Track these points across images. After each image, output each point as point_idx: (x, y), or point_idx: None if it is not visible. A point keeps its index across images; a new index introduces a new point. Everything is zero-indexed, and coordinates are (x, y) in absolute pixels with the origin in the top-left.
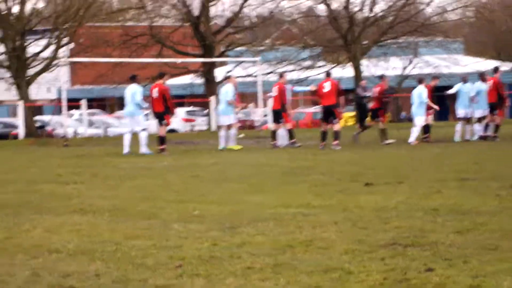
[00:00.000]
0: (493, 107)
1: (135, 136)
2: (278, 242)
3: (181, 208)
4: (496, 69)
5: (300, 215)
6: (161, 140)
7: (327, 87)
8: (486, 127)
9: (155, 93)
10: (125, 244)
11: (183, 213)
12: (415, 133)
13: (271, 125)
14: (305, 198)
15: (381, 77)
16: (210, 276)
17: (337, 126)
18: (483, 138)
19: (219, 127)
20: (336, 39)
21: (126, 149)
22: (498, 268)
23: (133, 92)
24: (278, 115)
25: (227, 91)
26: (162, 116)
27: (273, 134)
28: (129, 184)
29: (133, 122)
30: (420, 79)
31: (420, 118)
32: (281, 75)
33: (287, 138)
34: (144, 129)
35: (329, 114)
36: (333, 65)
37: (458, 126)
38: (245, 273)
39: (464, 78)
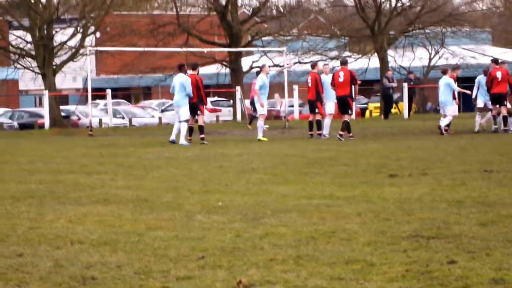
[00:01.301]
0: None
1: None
2: (300, 233)
3: (205, 199)
4: (497, 60)
5: (323, 206)
6: (201, 129)
7: (341, 76)
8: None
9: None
10: (147, 235)
11: (206, 204)
12: (446, 121)
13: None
14: (328, 189)
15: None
16: (232, 268)
17: (347, 117)
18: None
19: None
20: (363, 29)
21: (173, 136)
22: None
23: (181, 81)
24: (313, 105)
25: (257, 80)
26: (196, 106)
27: (310, 125)
28: (153, 174)
29: (179, 111)
30: (444, 70)
31: (451, 108)
32: (313, 65)
33: (328, 128)
34: (186, 120)
35: (344, 104)
36: (359, 56)
37: (478, 117)
38: (268, 264)
39: (486, 70)
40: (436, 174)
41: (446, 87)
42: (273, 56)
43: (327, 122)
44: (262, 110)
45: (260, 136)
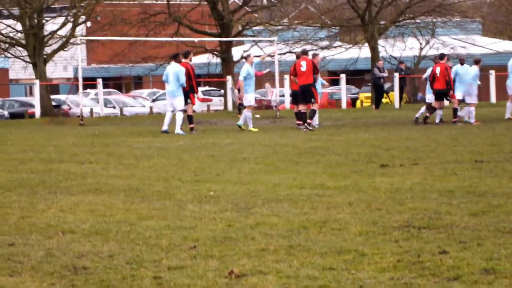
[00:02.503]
0: (443, 94)
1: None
2: (292, 223)
3: (196, 188)
4: (442, 56)
5: (314, 196)
6: (190, 119)
7: (304, 66)
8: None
9: None
10: (139, 224)
11: (198, 194)
12: (472, 113)
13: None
14: (320, 179)
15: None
16: (224, 257)
17: (315, 106)
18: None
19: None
20: (353, 19)
21: (165, 126)
22: None
23: (175, 71)
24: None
25: (241, 71)
26: (187, 95)
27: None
28: (144, 164)
29: (174, 101)
30: (476, 60)
31: (472, 98)
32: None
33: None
34: (182, 110)
35: (307, 94)
36: (350, 45)
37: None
38: (259, 254)
39: (461, 61)
40: (427, 164)
41: (473, 78)
42: (264, 46)
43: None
44: (249, 102)
45: (250, 127)
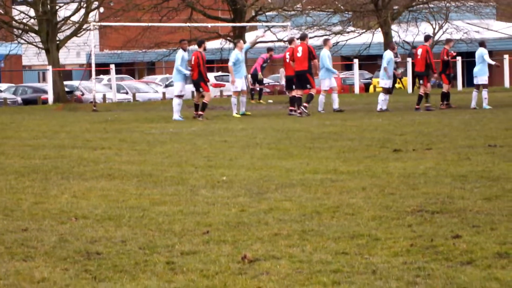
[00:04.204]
0: (420, 76)
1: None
2: (305, 208)
3: (209, 174)
4: (427, 38)
5: (327, 181)
6: (203, 106)
7: (300, 51)
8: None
9: (192, 61)
10: (152, 210)
11: (211, 179)
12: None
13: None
14: (333, 164)
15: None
16: (237, 242)
17: (313, 91)
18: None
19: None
20: (366, 4)
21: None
22: None
23: (176, 57)
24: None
25: (230, 57)
26: (197, 83)
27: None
28: (157, 149)
29: (174, 86)
30: (481, 42)
31: (481, 78)
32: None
33: (322, 104)
34: (178, 96)
35: (302, 80)
36: (363, 31)
37: (485, 93)
38: (272, 239)
39: (481, 42)
40: (441, 148)
41: (480, 59)
42: (277, 31)
43: (321, 98)
44: (235, 87)
45: (234, 112)
